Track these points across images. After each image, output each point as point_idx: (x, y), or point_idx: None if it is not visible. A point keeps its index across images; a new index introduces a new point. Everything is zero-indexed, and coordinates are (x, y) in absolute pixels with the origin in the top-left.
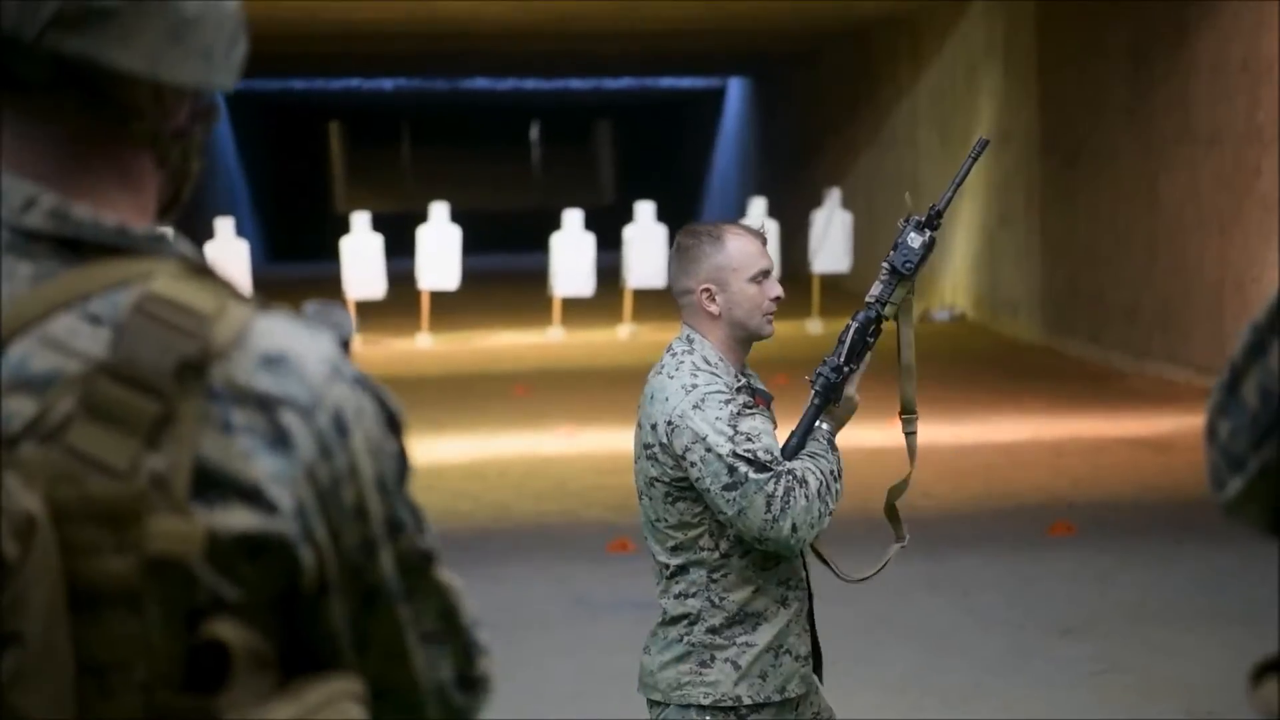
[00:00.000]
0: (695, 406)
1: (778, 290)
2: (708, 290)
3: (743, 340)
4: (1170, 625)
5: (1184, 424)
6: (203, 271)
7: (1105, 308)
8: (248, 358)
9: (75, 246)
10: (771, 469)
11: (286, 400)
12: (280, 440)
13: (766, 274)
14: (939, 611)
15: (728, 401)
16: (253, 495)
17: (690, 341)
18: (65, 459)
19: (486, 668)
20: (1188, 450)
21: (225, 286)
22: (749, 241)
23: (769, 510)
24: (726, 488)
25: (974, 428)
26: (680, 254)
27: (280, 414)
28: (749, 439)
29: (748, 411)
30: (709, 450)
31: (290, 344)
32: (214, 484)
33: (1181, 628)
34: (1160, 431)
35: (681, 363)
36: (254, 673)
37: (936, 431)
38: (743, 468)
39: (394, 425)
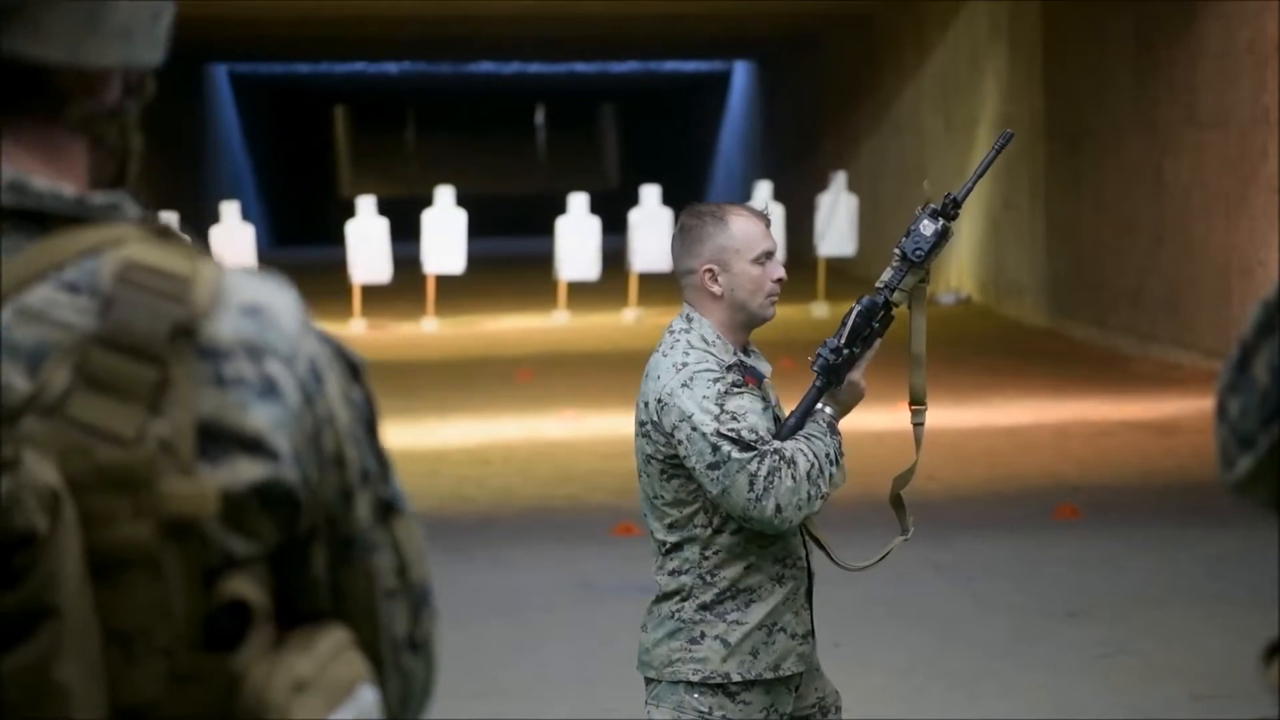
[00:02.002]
0: (684, 385)
1: (780, 272)
2: (710, 270)
3: (744, 322)
4: (1175, 608)
5: (1189, 407)
6: (167, 233)
7: (1110, 291)
8: (229, 312)
9: (36, 218)
10: (755, 448)
11: (270, 349)
12: (269, 389)
13: (770, 255)
14: (944, 595)
15: (716, 380)
16: (255, 445)
17: (689, 320)
18: (71, 431)
19: (431, 630)
20: (1193, 434)
21: (190, 246)
22: (753, 222)
23: (751, 489)
24: (710, 466)
25: (979, 411)
26: (683, 234)
27: (266, 363)
28: (734, 418)
29: (736, 390)
30: (694, 429)
31: (263, 296)
32: (216, 441)
33: (1187, 611)
34: (1165, 415)
35: (677, 341)
36: (263, 627)
37: (941, 415)
38: (726, 446)
39: (356, 373)
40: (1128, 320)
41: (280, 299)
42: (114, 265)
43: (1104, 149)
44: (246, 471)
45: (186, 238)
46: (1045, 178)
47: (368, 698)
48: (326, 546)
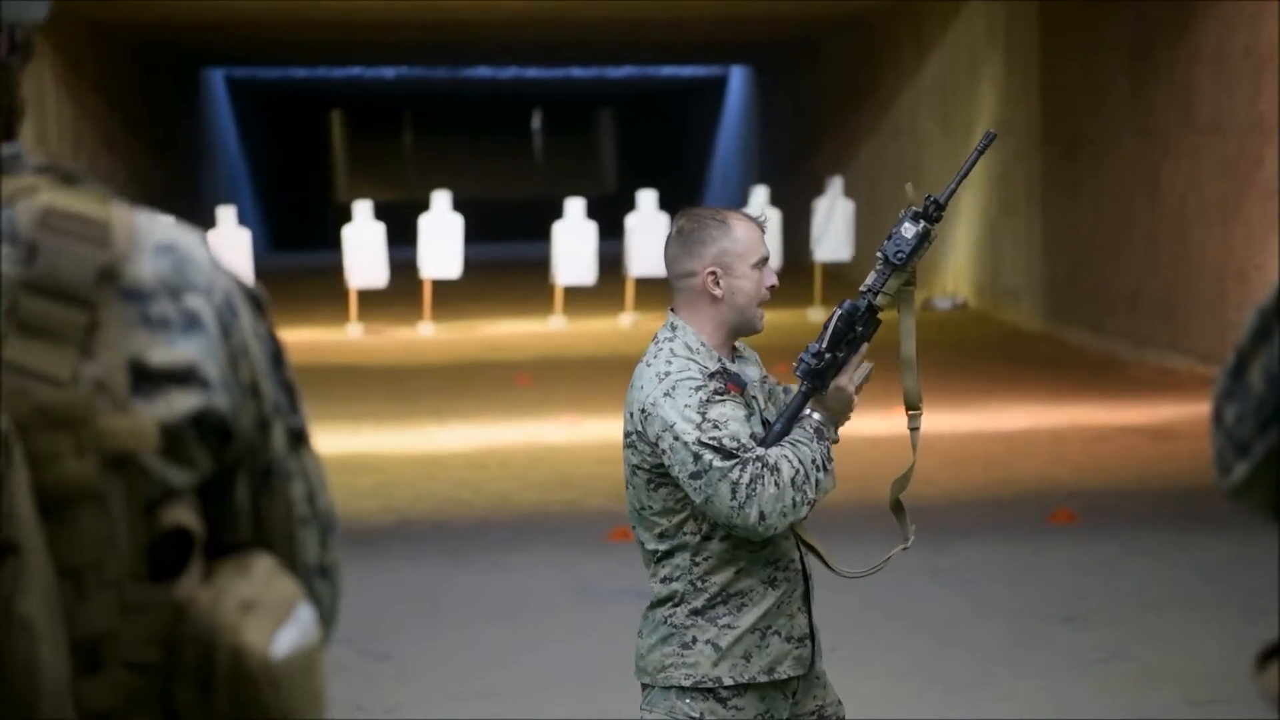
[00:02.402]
0: (666, 394)
1: (773, 279)
2: (714, 273)
3: (736, 327)
4: (1171, 613)
5: (1185, 412)
6: (74, 179)
7: (1107, 296)
8: (146, 253)
9: None
10: (737, 455)
11: (189, 285)
12: (192, 322)
13: (765, 262)
14: (940, 600)
15: (698, 388)
16: (187, 376)
17: (674, 328)
18: (9, 375)
19: (337, 557)
20: (1189, 439)
21: (99, 190)
22: (753, 228)
23: (734, 497)
24: (693, 475)
25: (975, 416)
26: (683, 236)
27: (186, 298)
28: (716, 426)
29: (718, 398)
30: (676, 438)
31: (175, 236)
32: (148, 377)
33: (1183, 616)
34: (1161, 420)
35: (660, 349)
36: (199, 556)
37: (938, 420)
38: (707, 455)
39: (261, 308)
40: (1124, 325)
41: (192, 239)
42: (33, 212)
43: (1101, 154)
44: (181, 402)
45: (94, 182)
46: (1042, 182)
47: (307, 614)
48: (248, 475)
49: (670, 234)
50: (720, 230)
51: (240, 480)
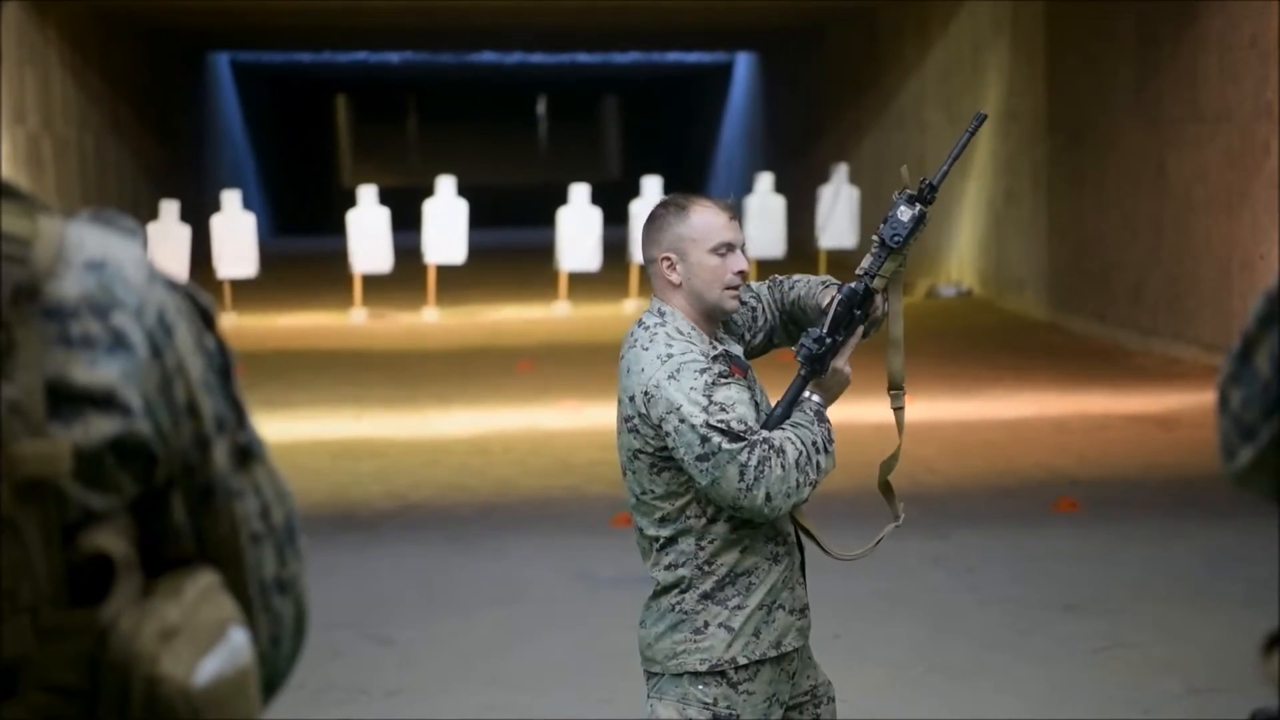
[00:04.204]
0: (670, 376)
1: (741, 264)
2: (668, 259)
3: (706, 312)
4: (1173, 602)
5: (1189, 401)
6: (3, 192)
7: (1111, 285)
8: (72, 270)
9: None
10: (745, 438)
11: (116, 304)
12: (118, 343)
13: (730, 247)
14: (943, 587)
15: (703, 371)
16: (106, 400)
17: (661, 314)
18: None
19: (297, 571)
20: (1193, 427)
21: (28, 200)
22: (714, 214)
23: (742, 479)
24: (700, 458)
25: (979, 404)
26: (648, 223)
27: (113, 317)
28: (723, 409)
29: (723, 381)
30: (682, 421)
31: (107, 250)
32: (66, 399)
33: (1184, 604)
34: (1165, 409)
35: (655, 334)
36: (129, 578)
37: (941, 407)
38: (716, 438)
39: (208, 320)
40: (1129, 314)
41: (124, 250)
42: None
43: (1106, 143)
44: (99, 427)
45: (24, 192)
46: (1047, 172)
47: (238, 639)
48: (185, 494)
49: (644, 221)
50: (677, 217)
51: (175, 500)
